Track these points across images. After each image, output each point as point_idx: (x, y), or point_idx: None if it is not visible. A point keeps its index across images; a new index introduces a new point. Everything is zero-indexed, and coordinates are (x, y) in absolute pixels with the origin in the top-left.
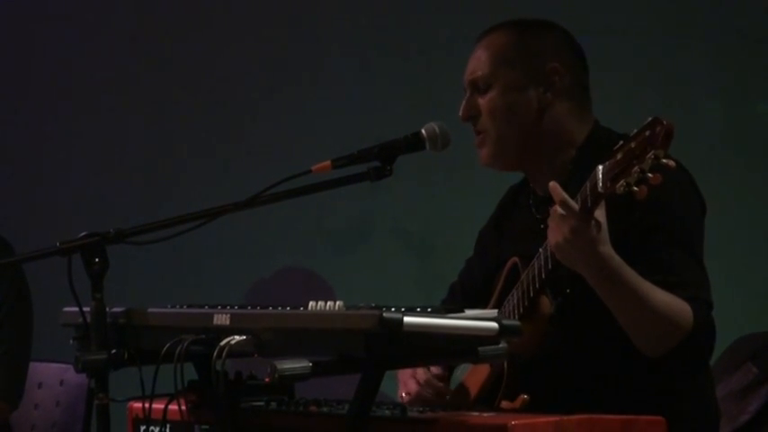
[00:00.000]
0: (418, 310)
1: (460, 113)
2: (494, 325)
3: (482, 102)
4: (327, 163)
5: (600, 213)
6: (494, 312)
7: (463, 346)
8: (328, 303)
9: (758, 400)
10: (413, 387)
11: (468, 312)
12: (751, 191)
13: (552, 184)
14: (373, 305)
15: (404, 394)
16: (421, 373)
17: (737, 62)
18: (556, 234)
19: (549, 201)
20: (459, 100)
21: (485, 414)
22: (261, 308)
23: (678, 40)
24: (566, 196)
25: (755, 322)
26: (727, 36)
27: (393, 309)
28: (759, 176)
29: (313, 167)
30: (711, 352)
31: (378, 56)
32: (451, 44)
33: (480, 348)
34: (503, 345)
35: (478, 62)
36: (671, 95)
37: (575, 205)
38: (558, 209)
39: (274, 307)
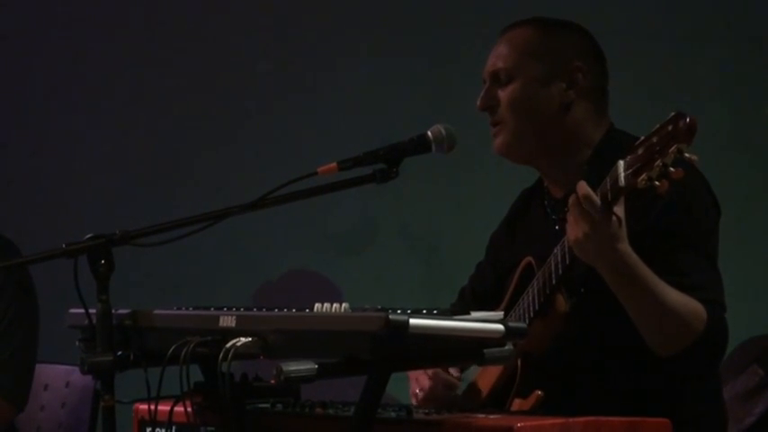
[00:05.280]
0: (424, 312)
1: (478, 103)
2: (500, 327)
3: (502, 93)
4: (333, 165)
5: (620, 210)
6: (500, 314)
7: (469, 347)
8: (334, 305)
9: (764, 402)
10: (425, 383)
11: (474, 314)
12: (758, 192)
13: (581, 183)
14: (379, 307)
15: (417, 391)
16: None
17: (744, 64)
18: (575, 229)
19: (565, 203)
20: (467, 102)
21: (491, 416)
22: (267, 310)
23: (685, 42)
24: (589, 191)
25: (762, 324)
26: (734, 38)
27: (399, 311)
28: (766, 178)
29: (319, 169)
30: (723, 354)
31: (383, 58)
32: (458, 46)
33: (486, 350)
34: (509, 347)
35: (501, 54)
36: (677, 97)
37: (596, 200)
38: (581, 203)
39: (280, 309)
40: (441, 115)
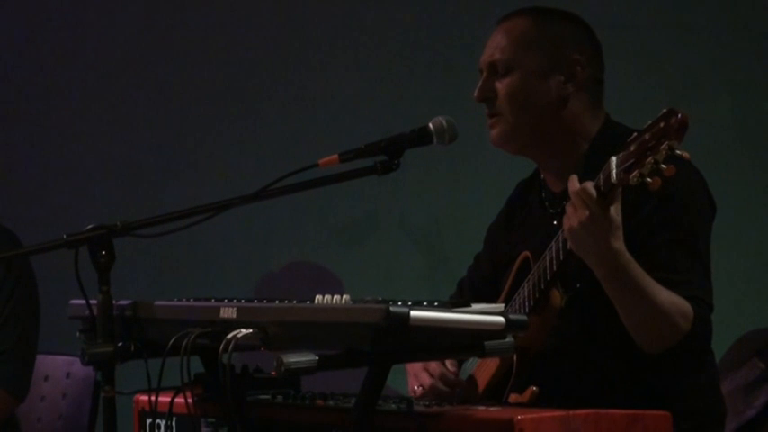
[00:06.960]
0: (425, 304)
1: (475, 94)
2: (500, 319)
3: (500, 85)
4: (335, 157)
5: (616, 210)
6: (500, 307)
7: (470, 340)
8: (335, 297)
9: (764, 395)
10: (426, 380)
11: (475, 307)
12: (759, 187)
13: (572, 177)
14: (380, 299)
15: (416, 387)
16: (434, 365)
17: (746, 59)
18: (572, 219)
19: (563, 197)
20: (468, 94)
21: (491, 408)
22: (267, 301)
23: (686, 36)
24: (587, 184)
25: (762, 318)
26: (736, 32)
27: (400, 303)
28: (767, 173)
29: (320, 161)
30: (705, 351)
31: (385, 50)
32: (459, 39)
33: (487, 343)
34: (509, 339)
35: (499, 45)
36: (679, 92)
37: (593, 192)
38: (579, 195)
39: (281, 300)
40: (442, 107)
